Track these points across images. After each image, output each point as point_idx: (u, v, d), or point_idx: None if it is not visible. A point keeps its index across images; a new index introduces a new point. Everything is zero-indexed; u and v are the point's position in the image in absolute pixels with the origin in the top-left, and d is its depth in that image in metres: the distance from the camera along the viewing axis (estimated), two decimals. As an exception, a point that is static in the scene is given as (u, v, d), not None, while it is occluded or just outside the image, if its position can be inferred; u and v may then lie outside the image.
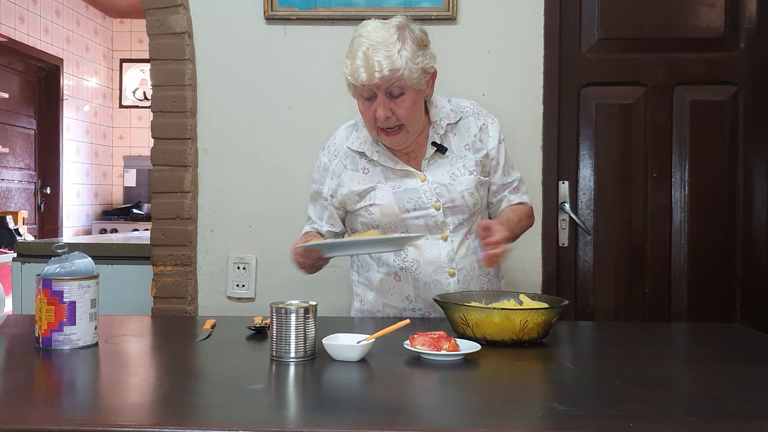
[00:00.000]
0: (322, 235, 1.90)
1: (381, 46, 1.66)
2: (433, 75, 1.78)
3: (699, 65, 2.49)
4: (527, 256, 2.41)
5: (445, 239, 1.79)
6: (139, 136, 7.02)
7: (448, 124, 1.83)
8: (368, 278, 1.86)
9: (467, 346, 1.37)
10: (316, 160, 1.92)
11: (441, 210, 1.78)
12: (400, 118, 1.71)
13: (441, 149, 1.81)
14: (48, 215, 6.03)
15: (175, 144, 2.44)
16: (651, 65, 2.49)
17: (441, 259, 1.78)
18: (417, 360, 1.34)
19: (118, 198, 7.00)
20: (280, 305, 1.35)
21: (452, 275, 1.78)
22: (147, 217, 6.23)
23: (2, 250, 4.42)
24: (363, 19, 2.40)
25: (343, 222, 1.91)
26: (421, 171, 1.80)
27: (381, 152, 1.81)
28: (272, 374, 1.29)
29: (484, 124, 1.86)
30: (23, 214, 5.14)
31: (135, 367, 1.39)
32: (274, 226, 2.48)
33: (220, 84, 2.47)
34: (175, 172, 2.44)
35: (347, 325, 1.75)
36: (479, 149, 1.83)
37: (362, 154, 1.83)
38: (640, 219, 2.51)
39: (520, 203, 1.91)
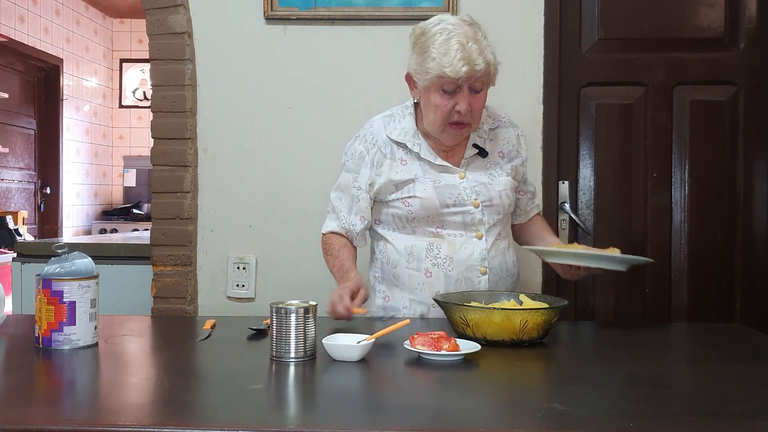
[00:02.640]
0: (350, 241, 1.89)
1: (472, 40, 1.68)
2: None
3: (699, 65, 2.49)
4: (527, 256, 2.41)
5: (480, 237, 1.80)
6: (139, 136, 7.02)
7: (489, 129, 1.87)
8: (395, 274, 1.85)
9: (467, 346, 1.37)
10: (348, 149, 1.90)
11: (479, 208, 1.79)
12: (475, 113, 1.74)
13: (482, 152, 1.84)
14: (48, 215, 6.03)
15: (175, 144, 2.44)
16: (651, 65, 2.49)
17: (474, 257, 1.79)
18: (417, 360, 1.34)
19: (118, 198, 7.00)
20: (280, 305, 1.35)
21: (484, 273, 1.79)
22: (147, 217, 6.23)
23: (2, 250, 4.42)
24: (363, 19, 2.43)
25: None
26: (458, 170, 1.83)
27: (422, 145, 1.82)
28: (272, 374, 1.28)
29: (518, 134, 1.93)
30: (23, 214, 5.14)
31: (135, 367, 1.39)
32: (274, 226, 2.48)
33: (220, 84, 2.47)
34: (175, 172, 2.44)
35: (347, 325, 1.75)
36: (514, 158, 1.89)
37: (402, 145, 1.83)
38: (640, 219, 2.51)
39: (538, 213, 2.04)
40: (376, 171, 1.83)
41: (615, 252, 1.69)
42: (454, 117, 1.72)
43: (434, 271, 1.79)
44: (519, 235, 2.01)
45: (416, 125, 1.84)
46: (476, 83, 1.71)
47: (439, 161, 1.81)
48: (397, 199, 1.81)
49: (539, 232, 1.98)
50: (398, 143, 1.83)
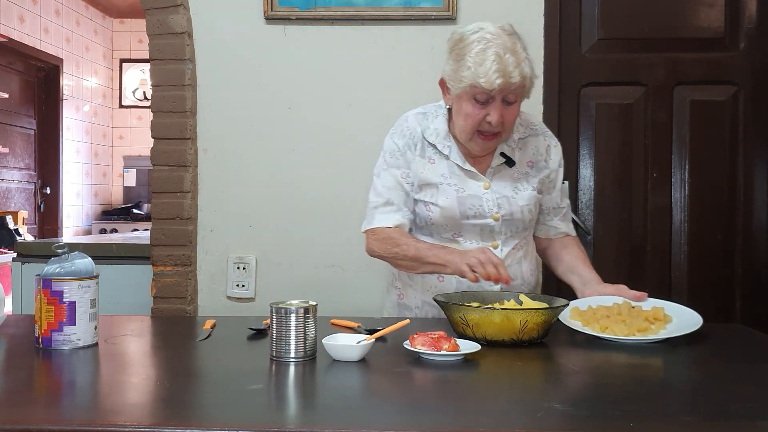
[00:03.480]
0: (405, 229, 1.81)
1: (510, 51, 1.64)
2: None
3: (699, 65, 2.49)
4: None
5: (496, 247, 1.78)
6: (139, 136, 7.02)
7: (519, 138, 1.84)
8: (409, 274, 1.84)
9: (467, 346, 1.37)
10: (389, 146, 1.84)
11: (500, 221, 1.78)
12: (506, 125, 1.71)
13: (509, 162, 1.80)
14: (48, 215, 6.03)
15: (175, 144, 2.44)
16: (651, 65, 2.50)
17: None
18: (417, 360, 1.34)
19: (118, 198, 7.00)
20: (280, 305, 1.35)
21: (496, 282, 1.77)
22: (147, 217, 6.23)
23: (2, 250, 4.43)
24: (363, 19, 2.43)
25: None
26: (485, 178, 1.80)
27: (452, 148, 1.80)
28: (272, 374, 1.28)
29: (548, 144, 1.88)
30: (23, 214, 5.14)
31: (135, 367, 1.39)
32: (274, 226, 2.48)
33: (220, 84, 2.47)
34: (175, 172, 2.44)
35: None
36: (542, 168, 1.85)
37: (432, 146, 1.81)
38: (640, 219, 2.51)
39: (567, 235, 1.93)
40: (413, 167, 1.81)
41: (659, 311, 1.58)
42: (484, 127, 1.70)
43: (447, 276, 1.77)
44: (552, 260, 1.94)
45: (448, 127, 1.82)
46: (510, 95, 1.67)
47: (467, 166, 1.79)
48: (419, 201, 1.80)
49: (575, 266, 1.86)
50: (430, 143, 1.81)
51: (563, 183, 1.92)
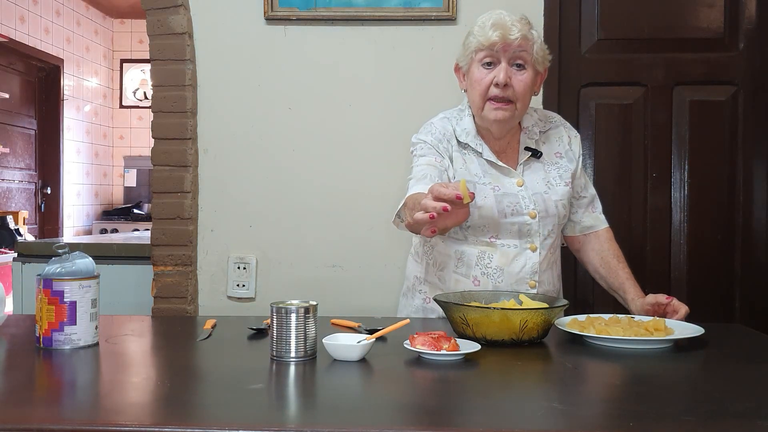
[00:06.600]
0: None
1: (516, 20, 1.69)
2: (545, 72, 1.79)
3: (699, 65, 2.49)
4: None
5: (534, 250, 1.77)
6: (139, 136, 7.02)
7: (541, 132, 1.85)
8: (441, 277, 1.82)
9: (467, 346, 1.37)
10: (414, 144, 1.83)
11: (536, 218, 1.77)
12: (517, 91, 1.71)
13: (535, 153, 1.81)
14: (48, 215, 6.04)
15: (175, 144, 2.44)
16: (651, 65, 2.50)
17: (526, 269, 1.76)
18: (417, 360, 1.34)
19: (118, 198, 7.00)
20: (280, 305, 1.35)
21: (533, 287, 1.76)
22: (147, 217, 6.23)
23: (3, 250, 4.43)
24: (363, 20, 2.43)
25: None
26: (517, 174, 1.79)
27: (484, 146, 1.80)
28: (272, 374, 1.29)
29: (569, 136, 1.88)
30: (24, 214, 5.14)
31: (135, 367, 1.39)
32: (274, 226, 2.48)
33: (220, 84, 2.48)
34: (176, 172, 2.44)
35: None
36: (572, 159, 1.86)
37: (464, 145, 1.81)
38: (640, 219, 2.52)
39: (592, 229, 1.91)
40: (447, 156, 1.79)
41: (660, 322, 1.55)
42: (493, 92, 1.70)
43: (483, 280, 1.76)
44: (591, 273, 1.93)
45: (475, 125, 1.81)
46: (517, 57, 1.69)
47: (501, 163, 1.78)
48: None
49: (611, 281, 1.86)
50: (461, 143, 1.81)
51: (584, 172, 1.91)
